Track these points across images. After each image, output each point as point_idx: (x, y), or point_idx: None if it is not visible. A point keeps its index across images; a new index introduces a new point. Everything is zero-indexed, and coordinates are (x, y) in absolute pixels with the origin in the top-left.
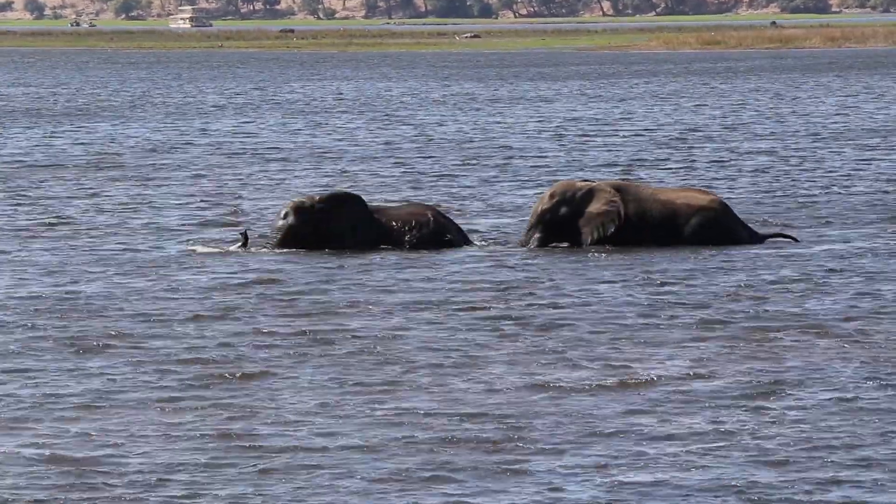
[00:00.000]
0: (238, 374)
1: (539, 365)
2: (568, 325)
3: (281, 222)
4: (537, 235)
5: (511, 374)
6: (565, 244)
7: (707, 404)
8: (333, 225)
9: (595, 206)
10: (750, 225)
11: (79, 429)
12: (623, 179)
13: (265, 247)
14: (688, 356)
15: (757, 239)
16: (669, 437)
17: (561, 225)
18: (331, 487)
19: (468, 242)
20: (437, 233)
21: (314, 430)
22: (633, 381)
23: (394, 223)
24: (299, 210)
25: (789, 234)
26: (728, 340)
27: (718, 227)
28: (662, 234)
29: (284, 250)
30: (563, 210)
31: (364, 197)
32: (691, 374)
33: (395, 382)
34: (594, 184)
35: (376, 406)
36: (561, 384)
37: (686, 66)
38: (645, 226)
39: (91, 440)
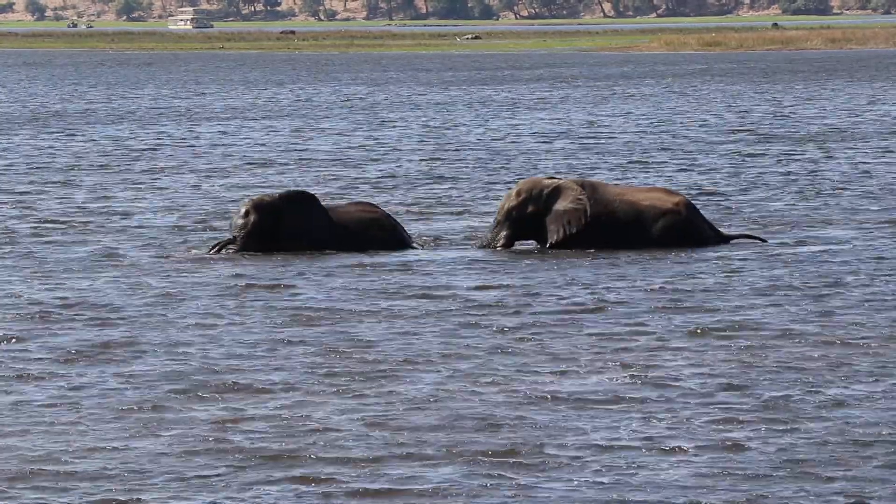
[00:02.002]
0: (231, 383)
1: (537, 370)
2: (564, 329)
3: (242, 220)
4: (504, 233)
5: (506, 379)
6: (532, 242)
7: (705, 409)
8: (293, 222)
9: (562, 204)
10: (719, 226)
11: (73, 436)
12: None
13: (231, 246)
14: (683, 358)
15: (723, 239)
16: (667, 443)
17: (527, 222)
18: (330, 494)
19: (413, 242)
20: (391, 232)
21: (312, 434)
22: (626, 384)
23: (349, 222)
24: (260, 207)
25: (756, 234)
26: (714, 344)
27: (685, 228)
28: (629, 233)
29: (251, 250)
30: (530, 207)
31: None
32: (691, 378)
33: (389, 390)
34: (561, 181)
35: (373, 413)
36: (560, 390)
37: (685, 68)
38: (611, 225)
39: (83, 447)
